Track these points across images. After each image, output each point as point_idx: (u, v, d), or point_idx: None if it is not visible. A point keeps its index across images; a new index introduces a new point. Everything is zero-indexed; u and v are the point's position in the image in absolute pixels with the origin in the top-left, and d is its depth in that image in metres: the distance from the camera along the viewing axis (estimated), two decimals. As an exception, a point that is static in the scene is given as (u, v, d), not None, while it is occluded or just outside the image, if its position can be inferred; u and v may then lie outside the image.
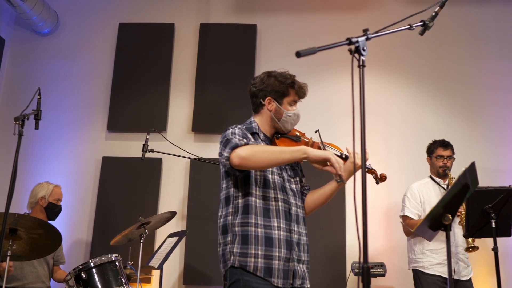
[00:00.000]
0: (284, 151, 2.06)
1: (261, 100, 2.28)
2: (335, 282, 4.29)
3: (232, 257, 2.08)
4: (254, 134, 2.25)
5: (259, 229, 2.09)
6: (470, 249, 3.24)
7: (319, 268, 4.28)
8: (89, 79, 4.99)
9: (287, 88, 2.27)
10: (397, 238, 4.18)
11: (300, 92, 2.29)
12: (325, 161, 2.07)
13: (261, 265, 2.05)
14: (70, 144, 4.81)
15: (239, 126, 2.22)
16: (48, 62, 5.04)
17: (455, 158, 3.61)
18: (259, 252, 2.07)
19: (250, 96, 2.34)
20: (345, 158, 2.29)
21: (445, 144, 3.62)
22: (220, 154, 2.10)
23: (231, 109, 4.70)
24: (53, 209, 3.74)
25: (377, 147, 4.62)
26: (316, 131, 2.31)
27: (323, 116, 4.61)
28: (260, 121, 2.30)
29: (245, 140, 2.08)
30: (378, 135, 4.65)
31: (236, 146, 2.04)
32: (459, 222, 3.36)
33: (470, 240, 3.23)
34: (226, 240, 2.13)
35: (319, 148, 2.31)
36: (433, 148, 3.66)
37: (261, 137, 2.27)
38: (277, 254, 2.09)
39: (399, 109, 4.73)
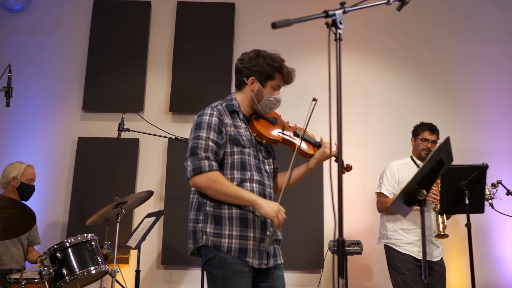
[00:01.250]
0: (238, 198, 2.07)
1: (244, 78, 2.24)
2: (313, 261, 4.34)
3: (204, 236, 2.07)
4: (233, 112, 2.22)
5: (233, 210, 2.09)
6: (440, 236, 3.28)
7: (297, 248, 4.32)
8: (63, 58, 4.87)
9: (273, 71, 2.22)
10: (373, 217, 4.23)
11: (287, 78, 2.25)
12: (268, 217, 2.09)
13: (236, 246, 2.05)
14: (45, 125, 4.71)
15: (219, 107, 2.17)
16: (20, 40, 4.89)
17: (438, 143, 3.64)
18: (234, 233, 2.07)
19: (235, 71, 2.30)
20: (318, 146, 2.34)
21: (433, 129, 3.59)
22: (185, 158, 2.12)
23: (209, 89, 4.65)
24: (26, 189, 3.67)
25: (354, 126, 4.64)
26: (313, 100, 2.29)
27: (301, 97, 4.59)
28: (240, 99, 2.27)
29: (212, 164, 2.07)
30: (356, 115, 4.68)
31: (200, 172, 2.05)
32: (434, 208, 3.40)
33: (441, 227, 3.26)
34: (198, 218, 2.12)
35: (294, 132, 2.33)
36: (420, 130, 3.62)
37: (240, 116, 2.24)
38: (252, 234, 2.09)
39: (376, 89, 4.76)
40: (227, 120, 2.16)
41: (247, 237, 2.08)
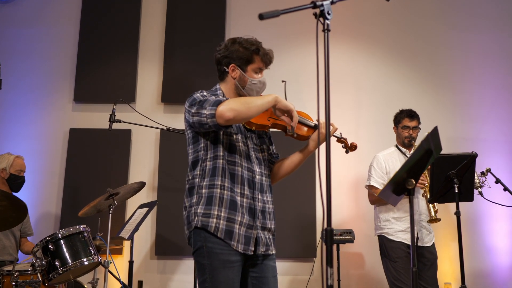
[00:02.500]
0: (261, 98, 2.09)
1: (225, 67, 2.23)
2: (305, 250, 4.37)
3: (196, 218, 2.08)
4: None
5: (225, 191, 2.10)
6: (432, 221, 3.32)
7: (290, 237, 4.35)
8: (53, 49, 4.83)
9: (251, 54, 2.21)
10: (365, 206, 4.26)
11: (265, 58, 2.23)
12: (288, 112, 2.13)
13: (222, 227, 2.06)
14: (36, 117, 4.69)
15: (205, 92, 2.19)
16: (9, 31, 4.85)
17: (420, 129, 3.66)
18: (222, 214, 2.07)
19: (215, 63, 2.29)
20: (314, 128, 2.30)
21: (411, 115, 3.62)
22: (197, 114, 2.04)
23: (201, 79, 4.64)
24: (16, 181, 3.66)
25: (346, 116, 4.66)
26: (283, 81, 2.31)
27: (293, 87, 4.59)
28: (225, 89, 2.26)
29: (221, 97, 2.08)
30: (348, 105, 4.69)
31: (219, 102, 2.02)
32: (423, 194, 3.43)
33: (432, 212, 3.30)
34: (192, 202, 2.13)
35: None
36: (399, 118, 3.67)
37: None
38: (239, 219, 2.09)
39: (368, 79, 4.77)
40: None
41: (234, 220, 2.08)
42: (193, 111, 2.08)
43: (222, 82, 2.29)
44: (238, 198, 2.12)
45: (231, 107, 1.99)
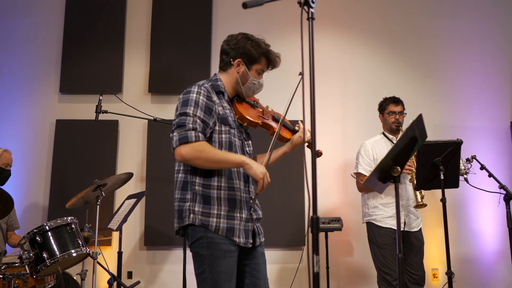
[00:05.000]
0: (227, 162, 2.08)
1: (231, 59, 2.24)
2: (295, 238, 4.40)
3: (192, 215, 2.08)
4: (219, 93, 2.22)
5: (222, 191, 2.11)
6: (418, 206, 3.36)
7: (280, 226, 4.37)
8: (38, 39, 4.76)
9: (260, 55, 2.24)
10: (353, 194, 4.29)
11: (273, 62, 2.27)
12: (255, 179, 2.09)
13: (224, 225, 2.07)
14: (21, 108, 4.63)
15: (206, 86, 2.15)
16: (-7, 21, 4.77)
17: (406, 114, 3.69)
18: (222, 213, 2.09)
19: (221, 52, 2.29)
20: (293, 131, 2.41)
21: (396, 100, 3.68)
22: (172, 130, 2.08)
23: (189, 69, 4.61)
24: (1, 174, 3.62)
25: (334, 105, 4.67)
26: (300, 74, 2.31)
27: (280, 78, 4.59)
28: (225, 80, 2.27)
29: (199, 135, 2.04)
30: (335, 94, 4.70)
31: (186, 142, 2.02)
32: (410, 179, 3.46)
33: (419, 197, 3.34)
34: (186, 197, 2.12)
35: (273, 117, 2.36)
36: (384, 105, 3.71)
37: (226, 97, 2.24)
38: (238, 214, 2.12)
39: (355, 67, 4.77)
40: (215, 98, 2.15)
41: (234, 217, 2.10)
42: (177, 113, 2.10)
43: (224, 73, 2.28)
44: (238, 193, 2.14)
45: (181, 154, 2.03)
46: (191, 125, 2.03)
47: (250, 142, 2.34)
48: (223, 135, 2.15)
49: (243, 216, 2.14)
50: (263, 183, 2.06)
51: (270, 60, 2.26)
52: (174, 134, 2.05)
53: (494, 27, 4.86)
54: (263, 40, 2.28)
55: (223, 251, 2.05)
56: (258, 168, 2.05)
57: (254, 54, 2.22)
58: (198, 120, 2.05)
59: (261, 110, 2.37)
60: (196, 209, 2.08)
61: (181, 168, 2.17)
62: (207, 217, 2.07)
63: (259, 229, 2.25)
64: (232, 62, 2.23)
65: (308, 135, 2.30)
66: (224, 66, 2.27)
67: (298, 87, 2.27)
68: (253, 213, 2.18)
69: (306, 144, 2.37)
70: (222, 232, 2.06)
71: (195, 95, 2.09)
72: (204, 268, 2.05)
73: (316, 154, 2.40)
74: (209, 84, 2.19)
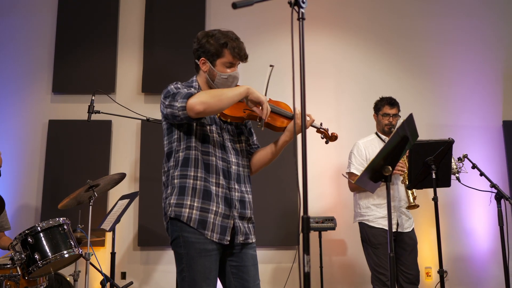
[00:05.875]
0: (233, 90, 2.10)
1: (196, 60, 2.25)
2: (288, 238, 4.40)
3: (170, 208, 2.10)
4: None
5: (198, 181, 2.11)
6: (411, 207, 3.37)
7: (272, 225, 4.37)
8: (30, 39, 4.74)
9: (220, 48, 2.18)
10: (347, 193, 4.28)
11: (234, 53, 2.19)
12: (259, 103, 2.13)
13: (195, 217, 2.07)
14: (14, 108, 4.61)
15: (180, 83, 2.18)
16: (-16, 20, 4.75)
17: (400, 116, 3.69)
18: (195, 204, 2.08)
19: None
20: (291, 118, 2.30)
21: (392, 103, 3.65)
22: (170, 106, 2.04)
23: (182, 69, 4.60)
24: (-10, 175, 3.60)
25: (327, 105, 4.68)
26: (270, 66, 2.30)
27: (275, 77, 4.58)
28: (200, 81, 2.28)
29: (193, 90, 2.07)
30: (329, 94, 4.71)
31: (191, 94, 2.02)
32: (402, 180, 3.47)
33: (411, 199, 3.35)
34: (167, 193, 2.16)
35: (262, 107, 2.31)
36: (380, 105, 3.69)
37: None
38: (214, 208, 2.10)
39: (348, 67, 4.79)
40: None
41: (208, 210, 2.09)
42: (166, 103, 2.08)
43: (198, 75, 2.30)
44: (213, 187, 2.13)
45: (201, 100, 1.99)
46: (185, 90, 2.06)
47: (242, 138, 2.31)
48: (198, 127, 2.16)
49: (220, 211, 2.11)
50: (267, 106, 2.12)
51: (232, 50, 2.18)
52: (174, 102, 2.03)
53: (485, 27, 4.89)
54: (228, 32, 2.23)
55: (199, 250, 2.05)
56: (259, 94, 2.12)
57: (214, 49, 2.19)
58: (184, 88, 2.09)
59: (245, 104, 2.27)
60: (172, 201, 2.10)
61: (165, 169, 2.20)
62: (180, 207, 2.07)
63: (246, 229, 2.19)
64: (197, 62, 2.24)
65: (308, 119, 2.20)
66: (196, 67, 2.29)
67: (270, 78, 2.27)
68: (234, 209, 2.15)
69: (315, 130, 2.32)
70: (194, 224, 2.06)
71: (172, 86, 2.13)
72: (182, 267, 2.07)
73: (330, 138, 2.38)
74: (184, 85, 2.22)
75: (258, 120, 2.17)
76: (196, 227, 2.06)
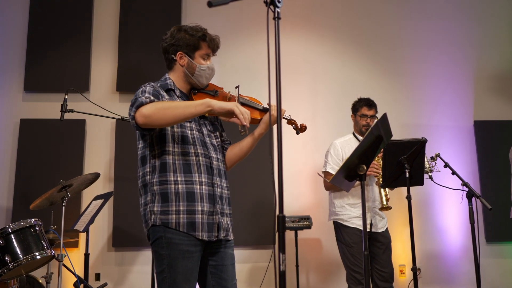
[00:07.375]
0: (188, 106, 2.02)
1: (172, 55, 2.23)
2: (264, 237, 4.41)
3: (153, 216, 2.06)
4: (169, 90, 2.20)
5: (179, 186, 2.08)
6: (383, 209, 3.42)
7: (249, 225, 4.37)
8: (1, 36, 4.63)
9: (198, 41, 2.21)
10: (323, 193, 4.31)
11: (212, 44, 2.23)
12: (229, 113, 2.07)
13: (184, 221, 2.05)
14: (-17, 107, 4.50)
15: (153, 83, 2.16)
16: (-48, 16, 4.61)
17: (378, 118, 3.72)
18: (181, 208, 2.06)
19: (162, 52, 2.28)
20: (264, 111, 2.31)
21: (370, 104, 3.66)
22: (129, 113, 2.04)
23: (157, 67, 4.46)
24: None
25: (304, 105, 4.71)
26: (236, 87, 2.30)
27: (250, 75, 4.60)
28: (174, 78, 2.25)
29: (151, 98, 2.01)
30: (304, 93, 4.74)
31: (141, 104, 1.98)
32: (376, 182, 3.51)
33: (384, 200, 3.39)
34: (146, 200, 2.11)
35: (238, 101, 2.29)
36: (358, 106, 3.70)
37: (177, 93, 2.22)
38: (200, 208, 2.09)
39: (323, 67, 4.82)
40: (164, 94, 2.14)
41: (195, 211, 2.07)
42: (128, 110, 2.06)
43: (171, 71, 2.28)
44: (197, 186, 2.10)
45: (143, 113, 1.95)
46: (143, 98, 2.00)
47: (218, 133, 2.31)
48: (175, 129, 2.13)
49: (205, 209, 2.10)
50: (240, 110, 2.02)
51: (210, 42, 2.22)
52: (129, 111, 2.01)
53: (457, 29, 5.00)
54: (198, 25, 2.26)
55: (182, 251, 2.03)
56: (223, 103, 2.03)
57: (192, 42, 2.20)
58: (149, 96, 2.02)
59: (222, 97, 2.28)
60: (155, 209, 2.06)
61: (140, 173, 2.16)
62: (166, 215, 2.05)
63: (227, 225, 2.20)
64: (174, 58, 2.22)
65: (282, 110, 2.21)
66: (169, 64, 2.27)
67: (239, 96, 2.26)
68: (217, 205, 2.14)
69: (286, 121, 2.32)
70: (183, 228, 2.04)
71: (142, 88, 2.09)
72: (163, 268, 2.04)
73: (300, 128, 2.38)
74: (157, 84, 2.19)
75: (240, 128, 2.12)
76: (186, 231, 2.04)
